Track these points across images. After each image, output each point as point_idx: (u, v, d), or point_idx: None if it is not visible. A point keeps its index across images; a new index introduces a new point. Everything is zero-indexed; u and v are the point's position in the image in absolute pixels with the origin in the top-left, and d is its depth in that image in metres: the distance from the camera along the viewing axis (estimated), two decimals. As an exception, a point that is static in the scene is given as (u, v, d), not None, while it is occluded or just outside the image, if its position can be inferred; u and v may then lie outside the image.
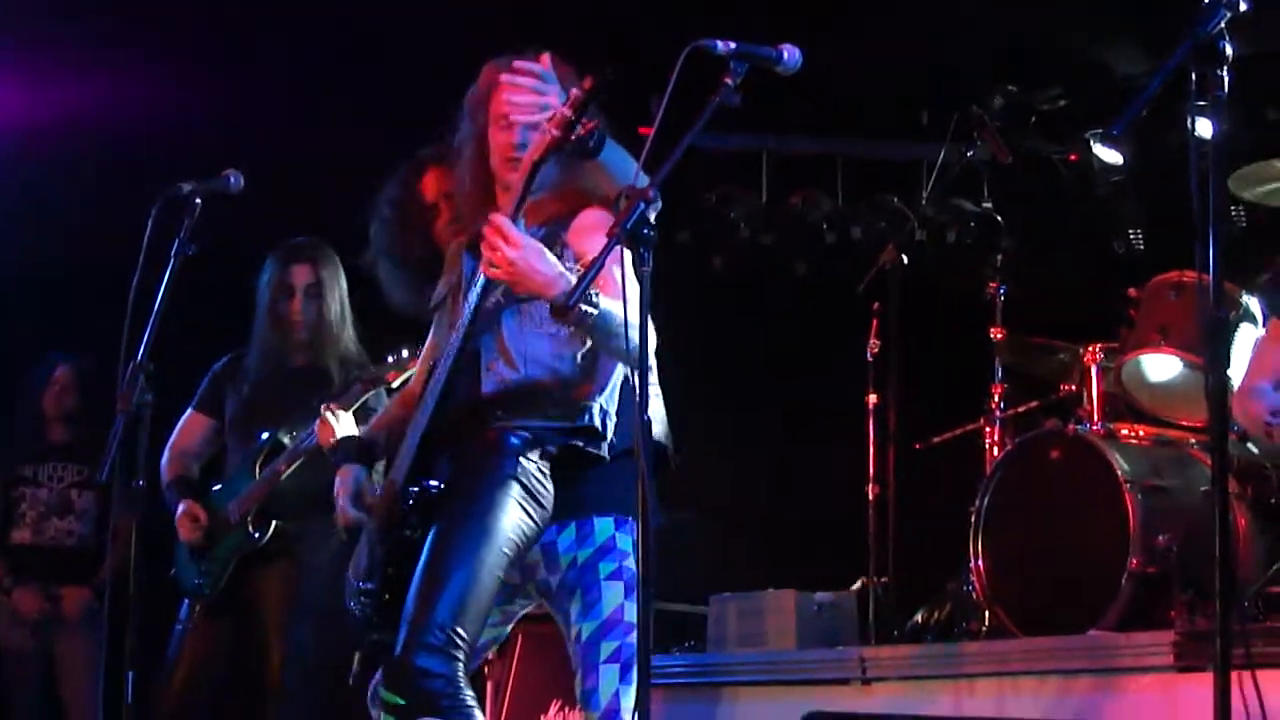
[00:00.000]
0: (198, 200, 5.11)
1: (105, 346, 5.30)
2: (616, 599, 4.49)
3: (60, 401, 8.18)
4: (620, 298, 4.16)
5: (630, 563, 4.52)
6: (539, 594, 4.66)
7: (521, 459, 4.43)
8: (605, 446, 4.54)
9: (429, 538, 4.38)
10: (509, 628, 4.81)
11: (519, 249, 4.22)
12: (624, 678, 4.45)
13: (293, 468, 6.19)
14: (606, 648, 4.45)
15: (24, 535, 8.05)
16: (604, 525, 4.55)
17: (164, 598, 6.34)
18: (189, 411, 6.63)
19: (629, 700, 4.44)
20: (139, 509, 5.08)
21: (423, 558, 4.34)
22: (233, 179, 5.22)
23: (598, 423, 4.52)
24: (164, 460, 6.57)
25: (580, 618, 4.51)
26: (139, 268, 4.93)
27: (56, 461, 8.13)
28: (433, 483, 4.47)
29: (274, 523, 6.30)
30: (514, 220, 4.34)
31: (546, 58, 4.55)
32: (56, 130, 8.34)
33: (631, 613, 4.50)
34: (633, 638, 4.47)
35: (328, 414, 5.84)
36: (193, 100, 8.31)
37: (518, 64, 4.51)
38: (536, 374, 4.48)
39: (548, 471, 4.47)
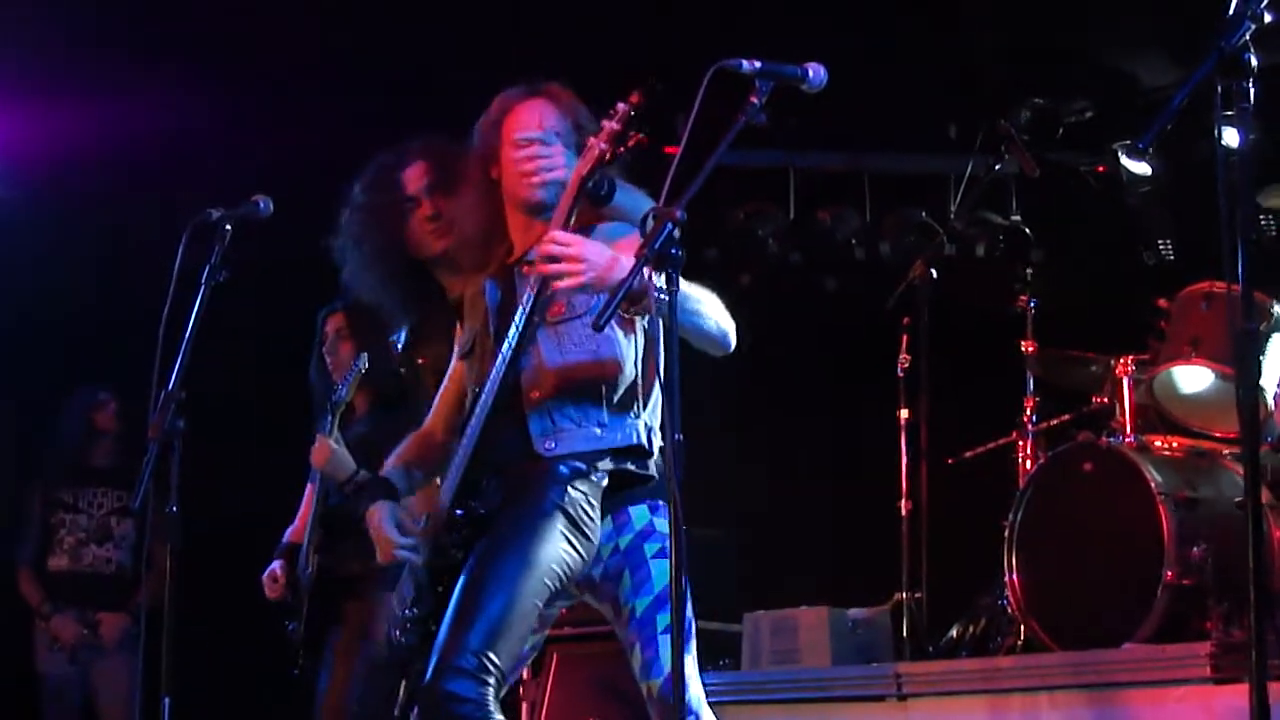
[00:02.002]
0: (227, 227, 5.10)
1: (136, 374, 5.31)
2: (666, 575, 4.44)
3: (114, 422, 8.21)
4: (603, 377, 4.28)
5: None
6: (580, 589, 4.62)
7: (570, 489, 4.42)
8: (652, 465, 4.54)
9: (468, 563, 4.37)
10: (546, 632, 4.79)
11: (584, 247, 4.22)
12: (685, 646, 4.46)
13: (322, 506, 6.21)
14: (663, 620, 4.42)
15: (61, 562, 8.08)
16: (639, 512, 4.52)
17: (200, 623, 6.36)
18: (308, 485, 6.64)
19: (689, 668, 4.45)
20: (174, 536, 5.09)
21: (460, 583, 4.34)
22: (262, 205, 5.21)
23: (644, 440, 4.52)
24: (290, 529, 6.56)
25: (632, 596, 4.49)
26: (170, 295, 4.93)
27: (96, 488, 8.16)
28: (479, 506, 4.46)
29: (316, 559, 6.30)
30: None
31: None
32: (86, 157, 8.37)
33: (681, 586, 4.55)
34: (686, 609, 4.51)
35: (318, 444, 5.85)
36: (221, 127, 8.34)
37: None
38: (580, 393, 4.48)
39: (596, 502, 4.45)
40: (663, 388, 3.91)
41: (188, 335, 4.94)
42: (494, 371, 4.48)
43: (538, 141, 4.60)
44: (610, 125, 4.35)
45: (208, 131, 8.34)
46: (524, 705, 7.18)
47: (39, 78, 8.29)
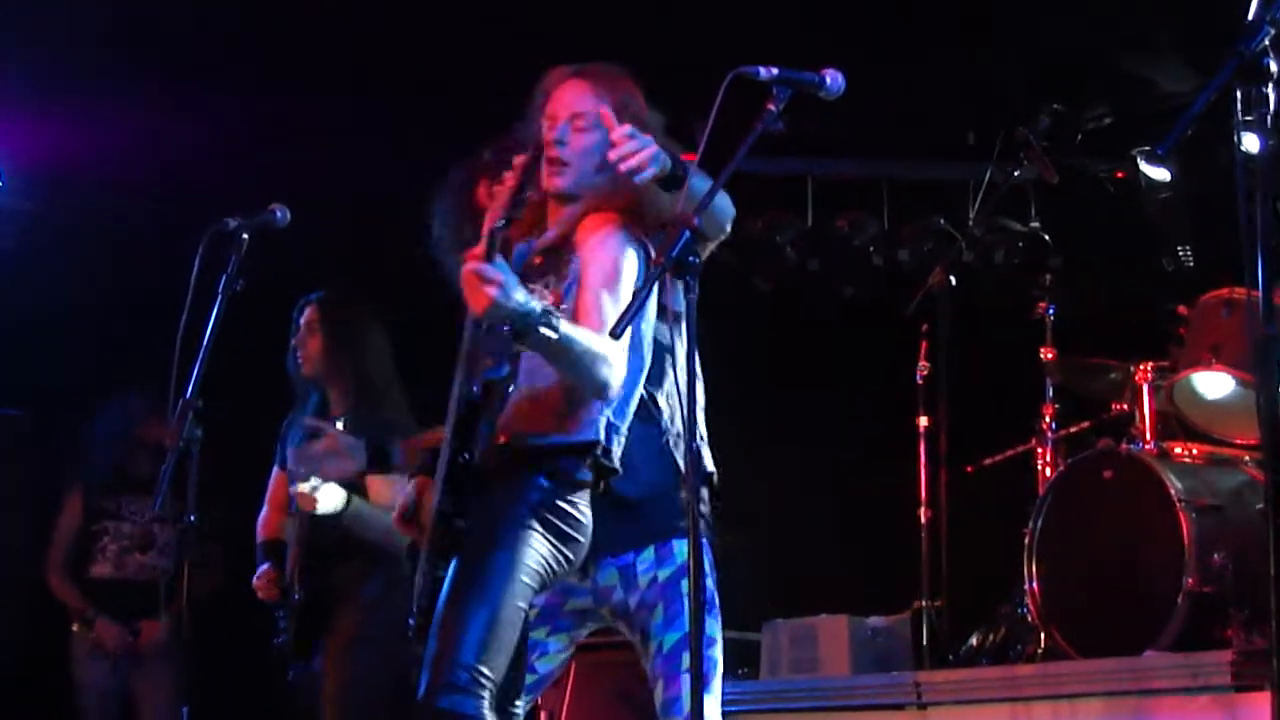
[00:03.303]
0: (245, 235, 5.10)
1: (151, 382, 5.32)
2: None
3: (160, 433, 8.16)
4: (599, 326, 4.17)
5: (710, 582, 4.53)
6: (614, 616, 4.62)
7: (545, 490, 4.36)
8: (615, 459, 4.46)
9: (450, 573, 4.34)
10: (569, 652, 4.77)
11: (502, 290, 4.13)
12: (705, 687, 4.37)
13: (308, 530, 6.23)
14: (689, 658, 4.39)
15: (104, 569, 8.01)
16: (683, 547, 4.49)
17: (217, 631, 6.38)
18: (274, 470, 6.65)
19: (711, 710, 4.46)
20: (191, 545, 5.10)
21: (443, 595, 4.30)
22: (279, 213, 5.21)
23: (601, 435, 4.42)
24: (259, 524, 6.59)
25: (662, 630, 4.50)
26: (187, 304, 4.93)
27: (137, 495, 8.10)
28: (459, 522, 4.43)
29: (303, 586, 6.31)
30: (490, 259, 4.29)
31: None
32: (103, 167, 8.38)
33: (714, 628, 4.56)
34: (714, 651, 4.53)
35: (304, 487, 5.84)
36: (239, 135, 8.36)
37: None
38: (543, 388, 4.40)
39: (580, 499, 4.41)
40: (680, 396, 3.90)
41: (205, 344, 4.95)
42: (460, 366, 4.48)
43: (557, 133, 4.53)
44: (512, 178, 4.39)
45: (226, 138, 8.35)
46: (542, 715, 7.17)
47: (57, 90, 8.30)
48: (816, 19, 7.92)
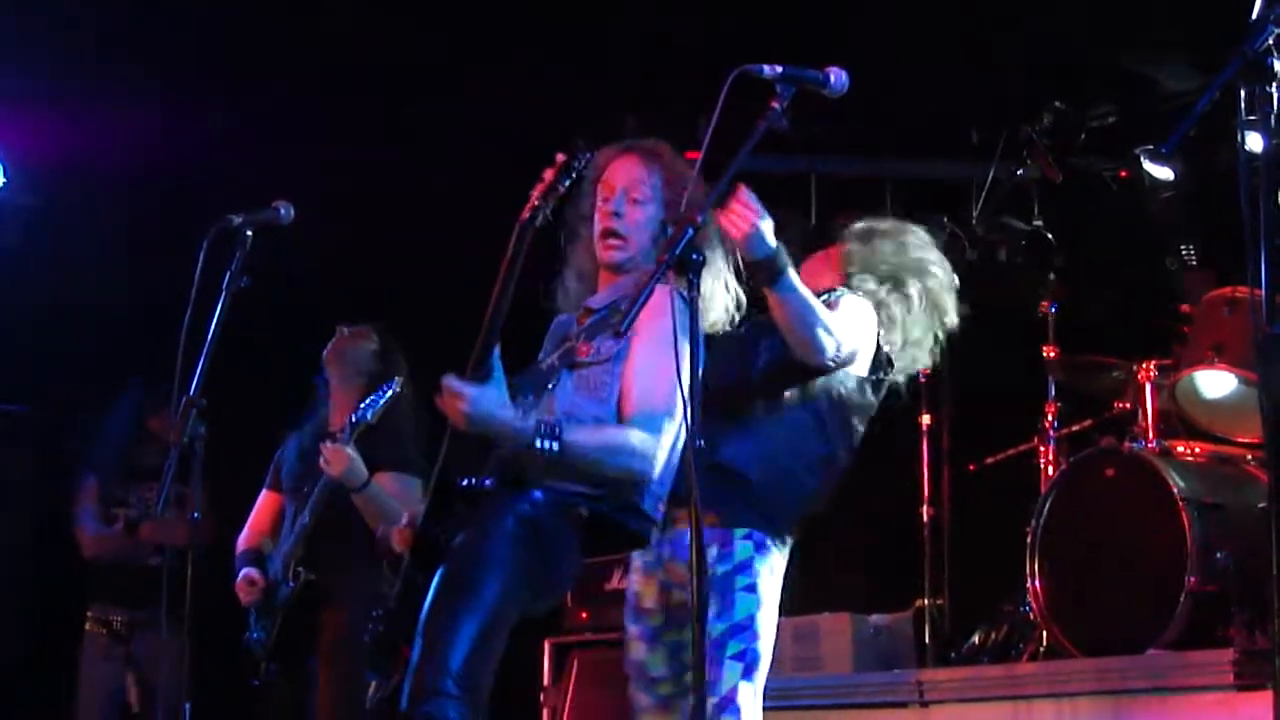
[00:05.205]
0: (248, 232, 5.11)
1: (157, 380, 5.32)
2: (749, 608, 4.62)
3: (168, 424, 8.11)
4: (632, 408, 4.25)
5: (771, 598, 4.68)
6: (678, 607, 4.73)
7: (537, 505, 4.39)
8: (643, 523, 4.52)
9: (435, 580, 4.35)
10: None
11: (468, 405, 4.25)
12: (747, 674, 4.58)
13: (314, 517, 6.25)
14: (734, 646, 4.57)
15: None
16: (744, 547, 4.64)
17: (217, 631, 6.37)
18: (262, 492, 6.67)
19: (747, 697, 4.55)
20: (196, 541, 5.10)
21: (428, 604, 4.33)
22: (283, 210, 5.21)
23: (634, 496, 4.48)
24: (240, 538, 6.60)
25: (713, 620, 4.54)
26: (191, 301, 4.93)
27: (145, 482, 8.04)
28: (441, 533, 4.44)
29: (300, 571, 6.33)
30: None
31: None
32: (107, 163, 8.39)
33: (769, 626, 4.66)
34: (759, 645, 4.62)
35: (325, 449, 5.95)
36: (243, 132, 8.36)
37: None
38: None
39: (573, 535, 4.44)
40: (683, 394, 3.90)
41: (209, 341, 4.95)
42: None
43: (613, 205, 4.64)
44: (548, 175, 4.42)
45: (230, 135, 8.36)
46: (545, 710, 7.18)
47: (59, 87, 8.30)
48: (820, 17, 7.92)
